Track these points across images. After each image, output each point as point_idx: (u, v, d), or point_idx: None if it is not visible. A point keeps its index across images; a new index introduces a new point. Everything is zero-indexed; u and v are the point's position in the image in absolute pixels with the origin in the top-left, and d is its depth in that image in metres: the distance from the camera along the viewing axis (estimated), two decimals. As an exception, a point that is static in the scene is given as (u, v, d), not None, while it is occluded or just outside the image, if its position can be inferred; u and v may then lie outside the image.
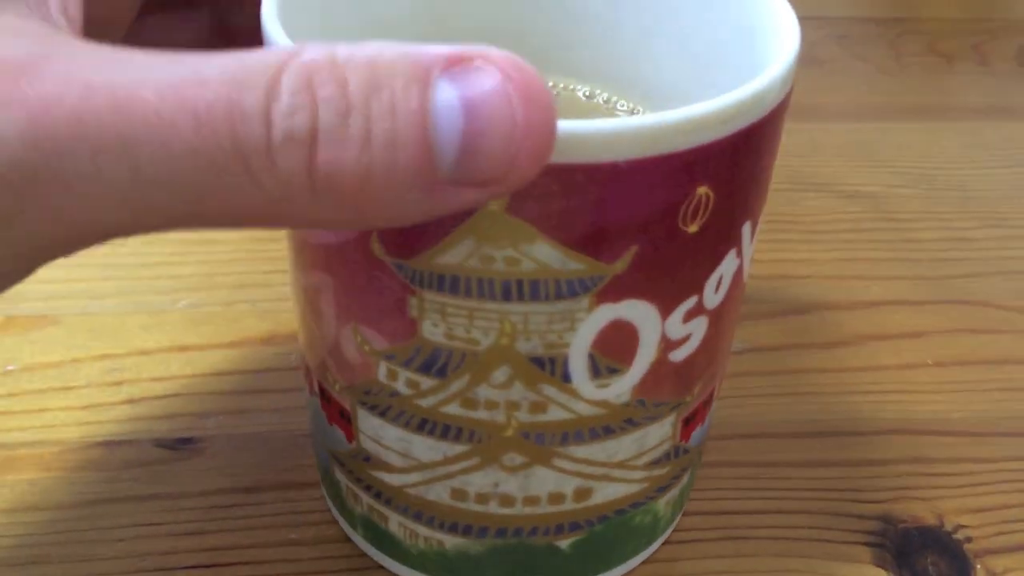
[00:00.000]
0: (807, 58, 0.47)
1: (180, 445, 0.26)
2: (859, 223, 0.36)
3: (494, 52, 0.13)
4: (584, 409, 0.19)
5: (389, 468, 0.21)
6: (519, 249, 0.16)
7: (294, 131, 0.12)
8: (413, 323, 0.18)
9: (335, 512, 0.24)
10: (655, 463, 0.21)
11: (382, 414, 0.20)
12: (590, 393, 0.19)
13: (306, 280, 0.20)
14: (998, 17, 0.52)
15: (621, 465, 0.20)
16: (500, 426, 0.19)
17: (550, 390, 0.18)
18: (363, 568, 0.24)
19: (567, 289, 0.17)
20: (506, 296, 0.17)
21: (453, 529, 0.21)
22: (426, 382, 0.19)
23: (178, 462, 0.26)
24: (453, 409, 0.19)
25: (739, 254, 0.19)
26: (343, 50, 0.13)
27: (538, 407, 0.19)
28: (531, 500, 0.20)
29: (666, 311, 0.18)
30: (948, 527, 0.25)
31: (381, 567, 0.23)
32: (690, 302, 0.18)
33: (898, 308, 0.32)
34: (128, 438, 0.26)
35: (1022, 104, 0.44)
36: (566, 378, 0.18)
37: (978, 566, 0.24)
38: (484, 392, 0.18)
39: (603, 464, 0.20)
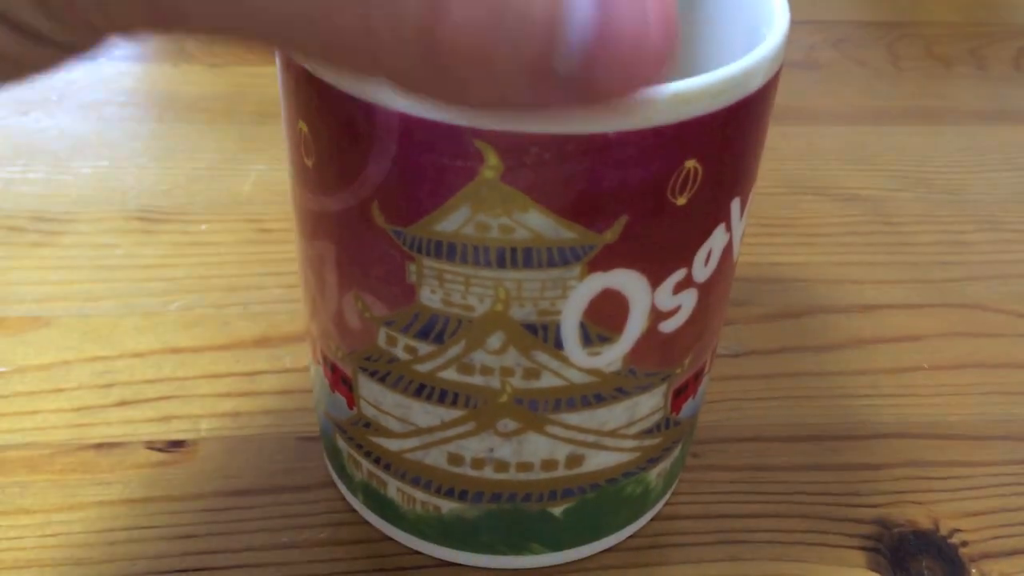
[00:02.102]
0: (805, 62, 0.47)
1: (172, 448, 0.26)
2: (856, 226, 0.36)
3: None
4: (576, 376, 0.19)
5: (388, 434, 0.21)
6: (513, 217, 0.17)
7: None
8: (412, 289, 0.18)
9: (336, 479, 0.25)
10: (646, 433, 0.21)
11: (382, 380, 0.20)
12: (582, 361, 0.19)
13: (310, 249, 0.20)
14: (996, 21, 0.52)
15: (612, 434, 0.21)
16: (495, 392, 0.19)
17: (543, 357, 0.19)
18: (359, 571, 0.23)
19: (559, 257, 0.17)
20: (501, 263, 0.17)
21: (449, 494, 0.22)
22: (424, 347, 0.19)
23: (170, 465, 0.26)
24: (450, 375, 0.19)
25: (728, 229, 0.19)
26: None
27: (531, 374, 0.19)
28: (524, 466, 0.21)
29: (655, 282, 0.18)
30: (944, 531, 0.25)
31: (381, 562, 0.23)
32: (679, 274, 0.19)
33: (895, 312, 0.32)
34: (120, 440, 0.26)
35: (1020, 108, 0.44)
36: (558, 345, 0.19)
37: (973, 571, 0.24)
38: (479, 358, 0.19)
39: (595, 432, 0.21)
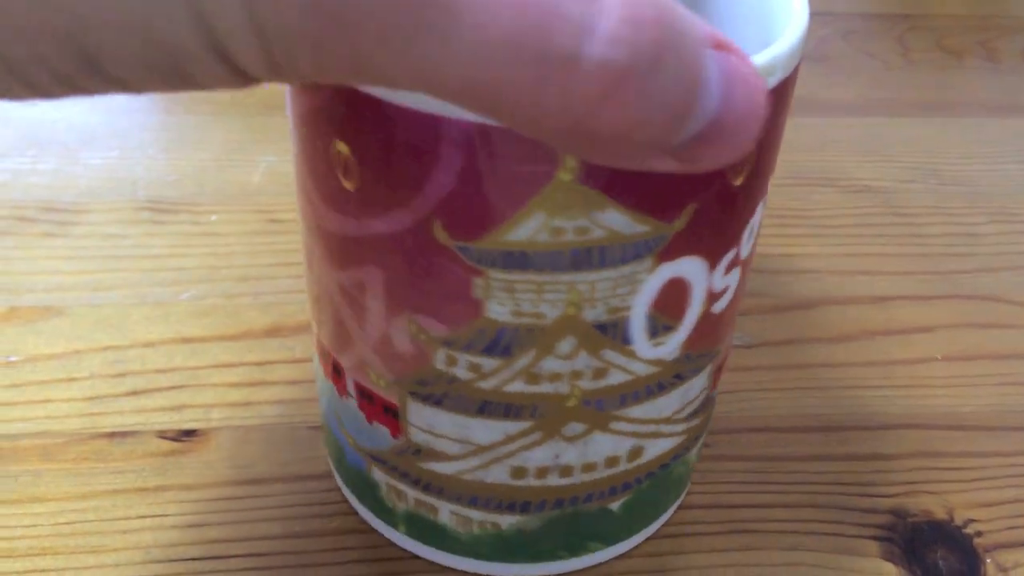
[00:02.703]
0: (815, 54, 0.47)
1: (184, 437, 0.26)
2: (867, 218, 0.36)
3: (742, 51, 0.13)
4: (641, 369, 0.19)
5: (442, 457, 0.21)
6: (590, 217, 0.17)
7: (609, 61, 0.12)
8: (477, 305, 0.18)
9: (368, 514, 0.24)
10: (693, 414, 0.22)
11: (437, 403, 0.20)
12: (647, 352, 0.19)
13: (344, 278, 0.19)
14: (1006, 14, 0.51)
15: (668, 420, 0.21)
16: (563, 397, 0.19)
17: (611, 355, 0.19)
18: (371, 560, 0.23)
19: (632, 252, 0.17)
20: (576, 266, 0.17)
21: (511, 508, 0.21)
22: (488, 363, 0.19)
23: (182, 454, 0.26)
24: (516, 387, 0.19)
25: (764, 204, 0.20)
26: None
27: (600, 373, 0.19)
28: (589, 467, 0.21)
29: (713, 264, 0.19)
30: (958, 521, 0.25)
31: (389, 551, 0.23)
32: (731, 254, 0.19)
33: (906, 303, 0.32)
34: (132, 430, 0.26)
35: (1030, 100, 0.44)
36: (626, 341, 0.19)
37: (988, 560, 0.24)
38: (548, 365, 0.19)
39: (654, 421, 0.21)
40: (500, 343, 0.18)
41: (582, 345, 0.18)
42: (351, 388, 0.21)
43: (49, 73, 0.12)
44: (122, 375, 0.28)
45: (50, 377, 0.27)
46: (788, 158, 0.39)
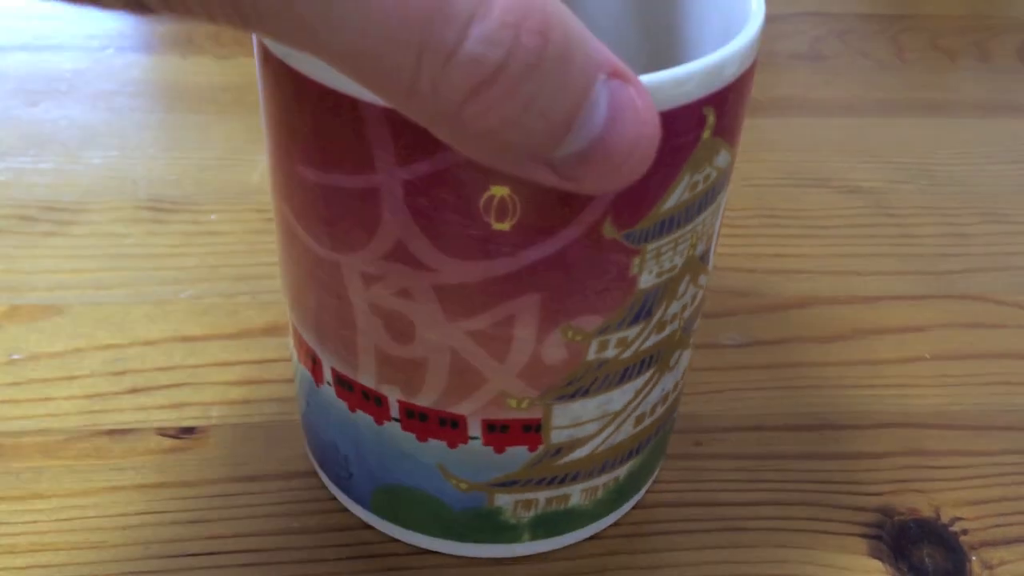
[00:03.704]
0: (809, 53, 0.47)
1: (183, 434, 0.26)
2: (859, 218, 0.36)
3: (641, 85, 0.14)
4: (705, 282, 0.21)
5: (581, 443, 0.21)
6: (713, 164, 0.18)
7: (482, 58, 0.12)
8: (632, 282, 0.19)
9: (471, 547, 0.24)
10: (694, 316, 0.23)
11: (584, 394, 0.20)
12: (711, 267, 0.21)
13: (476, 324, 0.19)
14: (1000, 14, 0.52)
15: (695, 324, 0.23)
16: (675, 332, 0.21)
17: (703, 278, 0.21)
18: (367, 556, 0.24)
19: (724, 182, 0.19)
20: (700, 210, 0.19)
21: (631, 455, 0.23)
22: (633, 331, 0.20)
23: (181, 451, 0.26)
24: (651, 341, 0.20)
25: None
26: (552, 4, 0.13)
27: (694, 299, 0.21)
28: (676, 386, 0.23)
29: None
30: (945, 520, 0.25)
31: (389, 541, 0.24)
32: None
33: (897, 303, 0.33)
34: (132, 427, 0.27)
35: (1023, 101, 0.44)
36: (707, 261, 0.21)
37: (973, 558, 0.25)
38: (672, 309, 0.20)
39: (695, 330, 0.23)
40: (645, 308, 0.20)
41: (691, 279, 0.20)
42: (476, 430, 0.21)
43: None
44: (122, 373, 0.28)
45: (51, 375, 0.28)
46: (780, 157, 0.39)
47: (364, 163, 0.17)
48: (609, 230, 0.18)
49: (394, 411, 0.21)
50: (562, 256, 0.18)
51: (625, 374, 0.20)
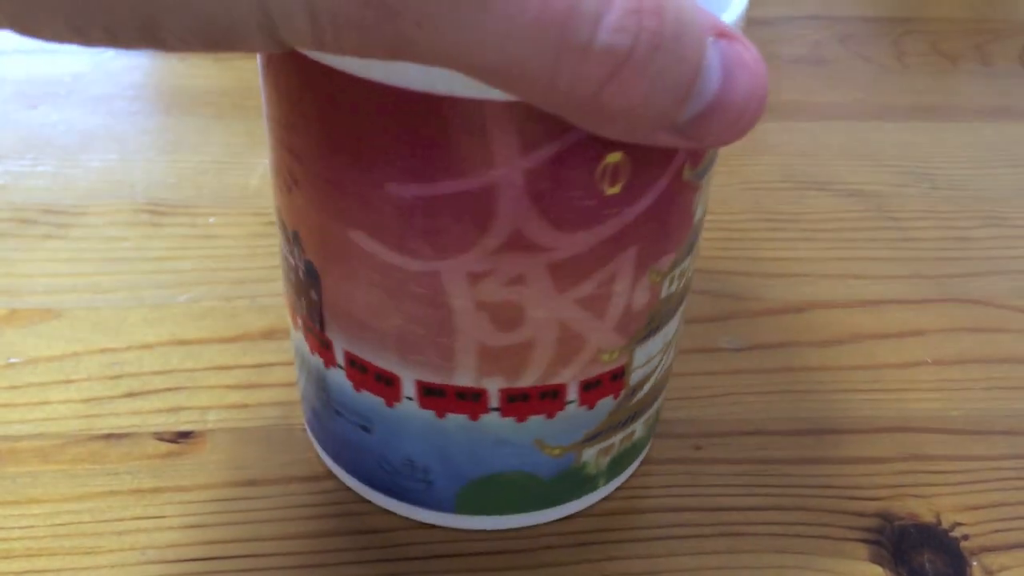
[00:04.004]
0: (811, 57, 0.47)
1: (180, 439, 0.26)
2: (860, 222, 0.36)
3: (747, 40, 0.15)
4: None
5: (649, 377, 0.23)
6: None
7: (614, 46, 0.13)
8: (692, 215, 0.20)
9: (561, 506, 0.24)
10: None
11: (657, 331, 0.22)
12: None
13: (582, 290, 0.20)
14: (1001, 18, 0.52)
15: None
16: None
17: (705, 196, 0.22)
18: (366, 561, 0.24)
19: None
20: None
21: (666, 383, 0.25)
22: (687, 262, 0.22)
23: (178, 455, 0.26)
24: (693, 266, 0.22)
25: None
26: None
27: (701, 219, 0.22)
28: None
29: None
30: (945, 525, 0.25)
31: (390, 552, 0.24)
32: None
33: (898, 307, 0.32)
34: (129, 431, 0.26)
35: (1024, 104, 0.44)
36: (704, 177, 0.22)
37: (974, 563, 0.24)
38: (699, 232, 0.22)
39: None
40: (695, 238, 0.21)
41: (706, 201, 0.21)
42: (574, 394, 0.22)
43: (104, 31, 0.13)
44: (119, 377, 0.28)
45: (48, 379, 0.28)
46: (780, 161, 0.39)
47: (481, 162, 0.17)
48: (688, 173, 0.19)
49: (494, 401, 0.21)
50: (655, 206, 0.19)
51: (680, 303, 0.22)
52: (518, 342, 0.20)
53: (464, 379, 0.21)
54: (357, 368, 0.22)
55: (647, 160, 0.18)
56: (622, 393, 0.22)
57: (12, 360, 0.28)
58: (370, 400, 0.22)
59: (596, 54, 0.13)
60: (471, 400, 0.21)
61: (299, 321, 0.23)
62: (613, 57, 0.14)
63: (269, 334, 0.30)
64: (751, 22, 0.49)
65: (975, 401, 0.29)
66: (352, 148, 0.18)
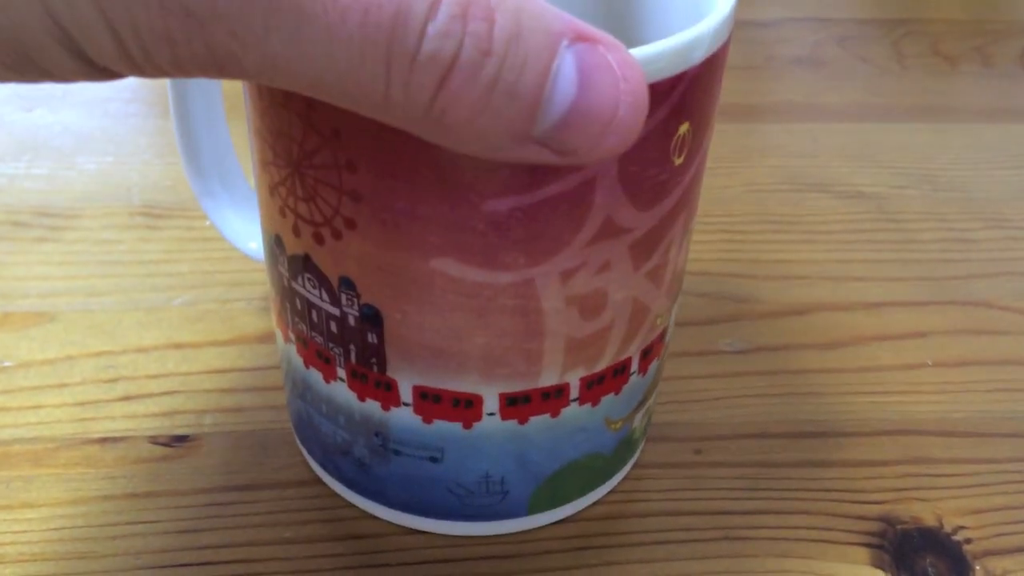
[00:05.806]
0: (810, 59, 0.47)
1: (175, 443, 0.26)
2: (860, 224, 0.36)
3: (612, 43, 0.14)
4: None
5: (671, 327, 0.24)
6: None
7: (439, 53, 0.13)
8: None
9: (601, 490, 0.25)
10: None
11: (680, 284, 0.23)
12: None
13: (651, 264, 0.20)
14: (1001, 19, 0.52)
15: None
16: None
17: None
18: (361, 566, 0.23)
19: None
20: None
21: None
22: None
23: (173, 459, 0.26)
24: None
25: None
26: None
27: None
28: None
29: None
30: (948, 528, 0.25)
31: (384, 557, 0.23)
32: None
33: (899, 309, 0.32)
34: (124, 435, 0.26)
35: (1025, 105, 0.44)
36: None
37: (977, 568, 0.24)
38: None
39: None
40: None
41: None
42: (636, 365, 0.22)
43: None
44: (114, 380, 0.28)
45: (42, 383, 0.28)
46: (781, 163, 0.39)
47: None
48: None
49: (575, 392, 0.21)
50: (697, 170, 0.20)
51: (686, 254, 0.23)
52: (600, 328, 0.20)
53: (550, 379, 0.21)
54: (430, 400, 0.21)
55: (703, 124, 0.19)
56: (663, 352, 0.23)
57: (5, 364, 0.28)
58: (444, 429, 0.21)
59: (422, 63, 0.13)
60: (554, 398, 0.21)
61: (340, 372, 0.21)
62: (438, 65, 0.13)
63: (265, 337, 0.29)
64: (750, 24, 0.49)
65: (977, 404, 0.29)
66: (437, 175, 0.17)
